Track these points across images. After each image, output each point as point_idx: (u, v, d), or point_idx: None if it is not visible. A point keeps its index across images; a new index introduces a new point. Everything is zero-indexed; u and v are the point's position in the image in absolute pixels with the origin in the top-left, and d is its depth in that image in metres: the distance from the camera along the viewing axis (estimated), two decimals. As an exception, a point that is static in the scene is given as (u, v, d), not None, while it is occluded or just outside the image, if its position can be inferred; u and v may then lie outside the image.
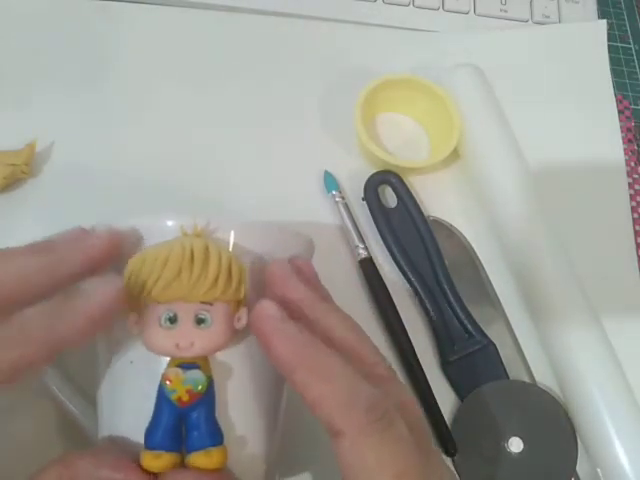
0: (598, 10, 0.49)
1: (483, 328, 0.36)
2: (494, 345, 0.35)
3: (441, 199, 0.40)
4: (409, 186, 0.39)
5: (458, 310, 0.36)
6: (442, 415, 0.34)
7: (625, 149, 0.43)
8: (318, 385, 0.21)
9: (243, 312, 0.24)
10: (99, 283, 0.22)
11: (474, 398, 0.34)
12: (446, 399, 0.35)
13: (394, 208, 0.38)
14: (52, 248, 0.22)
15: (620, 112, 0.45)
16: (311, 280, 0.26)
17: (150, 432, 0.23)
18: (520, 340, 0.37)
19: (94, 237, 0.23)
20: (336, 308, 0.25)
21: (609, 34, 0.48)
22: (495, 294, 0.38)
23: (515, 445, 0.33)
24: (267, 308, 0.22)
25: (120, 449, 0.24)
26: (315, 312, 0.24)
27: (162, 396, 0.23)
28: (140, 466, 0.22)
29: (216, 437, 0.23)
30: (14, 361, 0.20)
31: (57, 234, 0.24)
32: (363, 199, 0.38)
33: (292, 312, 0.23)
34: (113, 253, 0.23)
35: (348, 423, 0.20)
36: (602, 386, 0.34)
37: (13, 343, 0.20)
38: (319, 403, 0.21)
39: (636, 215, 0.42)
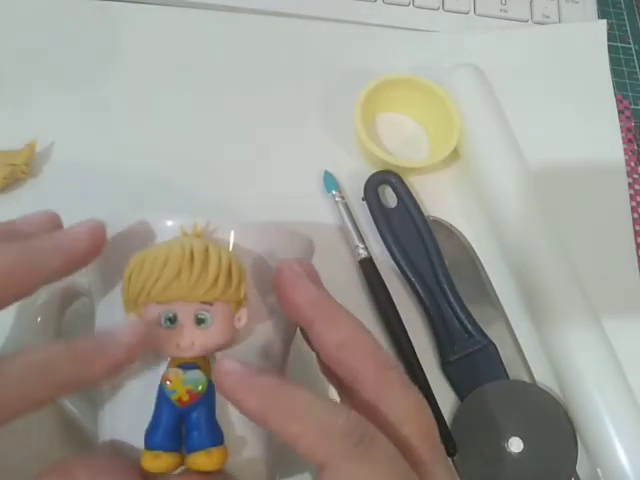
0: (598, 10, 0.49)
1: (483, 328, 0.36)
2: (494, 345, 0.35)
3: (441, 199, 0.40)
4: (409, 186, 0.39)
5: (458, 310, 0.36)
6: (442, 415, 0.34)
7: (625, 149, 0.43)
8: (291, 426, 0.21)
9: (243, 312, 0.23)
10: (124, 330, 0.22)
11: (474, 398, 0.34)
12: (446, 399, 0.35)
13: (394, 208, 0.38)
14: (31, 246, 0.22)
15: (620, 112, 0.45)
16: (315, 282, 0.26)
17: (150, 432, 0.23)
18: (520, 340, 0.37)
19: (75, 232, 0.23)
20: (345, 309, 0.25)
21: (609, 34, 0.48)
22: (495, 294, 0.38)
23: (515, 445, 0.33)
24: (227, 365, 0.22)
25: (120, 453, 0.24)
26: (326, 312, 0.24)
27: (162, 396, 0.23)
28: (140, 473, 0.22)
29: (216, 437, 0.23)
30: (19, 401, 0.21)
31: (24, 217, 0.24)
32: (363, 199, 0.38)
33: (297, 313, 0.24)
34: (97, 247, 0.23)
35: (327, 454, 0.20)
36: (602, 386, 0.34)
37: (35, 387, 0.20)
38: (297, 443, 0.21)
39: (636, 215, 0.42)
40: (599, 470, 0.33)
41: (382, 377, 0.23)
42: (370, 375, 0.23)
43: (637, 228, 0.41)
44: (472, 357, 0.35)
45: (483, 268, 0.38)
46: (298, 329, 0.29)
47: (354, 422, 0.21)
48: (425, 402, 0.23)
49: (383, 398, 0.22)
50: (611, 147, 0.43)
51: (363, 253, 0.37)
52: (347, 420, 0.21)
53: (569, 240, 0.38)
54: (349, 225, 0.37)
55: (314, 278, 0.26)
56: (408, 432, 0.22)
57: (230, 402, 0.22)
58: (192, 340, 0.22)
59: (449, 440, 0.33)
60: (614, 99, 0.45)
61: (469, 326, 0.35)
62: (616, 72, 0.47)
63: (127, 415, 0.25)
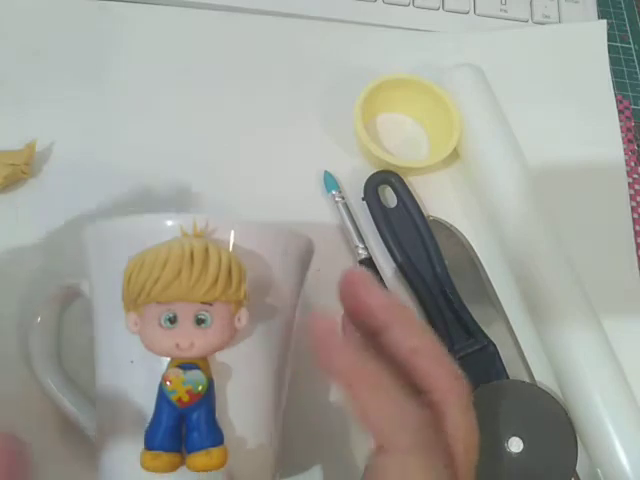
0: (598, 10, 0.49)
1: (483, 328, 0.36)
2: (494, 345, 0.35)
3: (441, 199, 0.40)
4: (409, 186, 0.39)
5: (458, 310, 0.36)
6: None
7: (625, 149, 0.43)
8: (372, 403, 0.22)
9: (243, 312, 0.23)
10: None
11: (474, 398, 0.34)
12: (446, 399, 0.35)
13: (394, 208, 0.38)
14: None
15: (620, 112, 0.45)
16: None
17: (150, 432, 0.23)
18: (520, 340, 0.37)
19: None
20: (416, 316, 0.26)
21: (609, 34, 0.48)
22: (495, 294, 0.38)
23: (515, 445, 0.33)
24: (328, 323, 0.23)
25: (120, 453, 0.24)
26: (401, 318, 0.25)
27: (162, 396, 0.23)
28: None
29: (216, 437, 0.23)
30: None
31: None
32: (363, 199, 0.38)
33: (370, 315, 0.25)
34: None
35: (394, 443, 0.22)
36: (602, 386, 0.34)
37: None
38: (370, 419, 0.22)
39: (636, 215, 0.42)
40: (599, 470, 0.33)
41: (452, 387, 0.24)
42: (442, 384, 0.24)
43: (637, 228, 0.41)
44: (472, 357, 0.35)
45: (483, 268, 0.38)
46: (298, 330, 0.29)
47: (426, 420, 0.23)
48: (476, 429, 0.24)
49: (449, 408, 0.24)
50: (611, 147, 0.43)
51: (363, 253, 0.37)
52: (420, 416, 0.23)
53: (569, 240, 0.38)
54: (349, 225, 0.37)
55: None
56: (456, 450, 0.23)
57: (317, 356, 0.23)
58: (192, 340, 0.22)
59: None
60: (614, 99, 0.45)
61: (469, 326, 0.35)
62: (616, 72, 0.47)
63: (127, 415, 0.25)
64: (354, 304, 0.25)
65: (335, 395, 0.34)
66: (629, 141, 0.44)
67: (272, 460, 0.27)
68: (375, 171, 0.39)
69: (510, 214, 0.38)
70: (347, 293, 0.26)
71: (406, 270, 0.36)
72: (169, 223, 0.24)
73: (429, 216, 0.39)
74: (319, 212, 0.39)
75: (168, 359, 0.23)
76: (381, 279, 0.36)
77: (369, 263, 0.37)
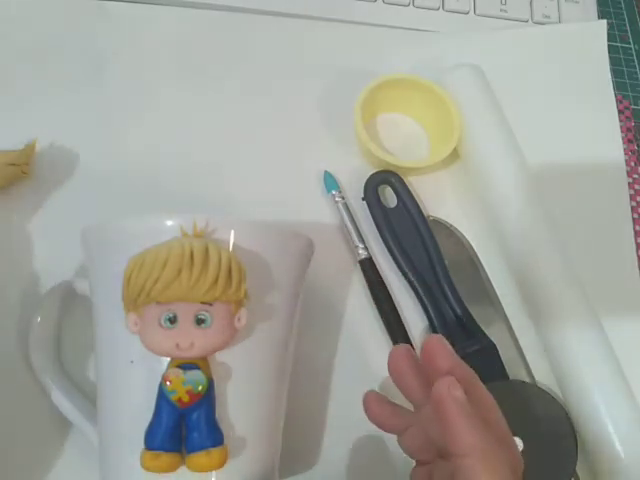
0: (598, 10, 0.49)
1: (483, 328, 0.36)
2: (494, 345, 0.35)
3: (441, 199, 0.40)
4: (409, 186, 0.39)
5: (458, 310, 0.36)
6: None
7: (625, 149, 0.43)
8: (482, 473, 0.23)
9: (243, 312, 0.23)
10: None
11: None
12: (446, 399, 0.35)
13: (394, 208, 0.38)
14: None
15: (620, 112, 0.45)
16: None
17: (150, 432, 0.23)
18: (520, 340, 0.37)
19: None
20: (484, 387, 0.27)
21: (609, 34, 0.47)
22: (495, 294, 0.38)
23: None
24: (454, 388, 0.24)
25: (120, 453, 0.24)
26: (477, 389, 0.27)
27: (162, 397, 0.23)
28: None
29: (216, 437, 0.23)
30: None
31: None
32: (363, 199, 0.38)
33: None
34: None
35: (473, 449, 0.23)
36: (602, 386, 0.34)
37: None
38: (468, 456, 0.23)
39: (636, 215, 0.42)
40: (599, 469, 0.33)
41: None
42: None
43: (637, 228, 0.41)
44: (472, 357, 0.35)
45: (483, 268, 0.38)
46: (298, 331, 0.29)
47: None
48: None
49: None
50: (611, 147, 0.43)
51: (363, 253, 0.37)
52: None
53: (569, 240, 0.38)
54: (349, 225, 0.37)
55: None
56: None
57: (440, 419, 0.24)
58: (192, 340, 0.22)
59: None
60: (614, 99, 0.45)
61: (469, 326, 0.35)
62: (616, 72, 0.47)
63: (127, 415, 0.25)
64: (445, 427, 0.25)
65: (335, 395, 0.34)
66: (629, 141, 0.44)
67: (272, 460, 0.27)
68: (375, 171, 0.39)
69: (510, 214, 0.38)
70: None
71: (406, 270, 0.36)
72: (169, 223, 0.24)
73: (429, 216, 0.39)
74: (319, 212, 0.39)
75: (168, 359, 0.23)
76: (381, 279, 0.36)
77: (369, 263, 0.37)
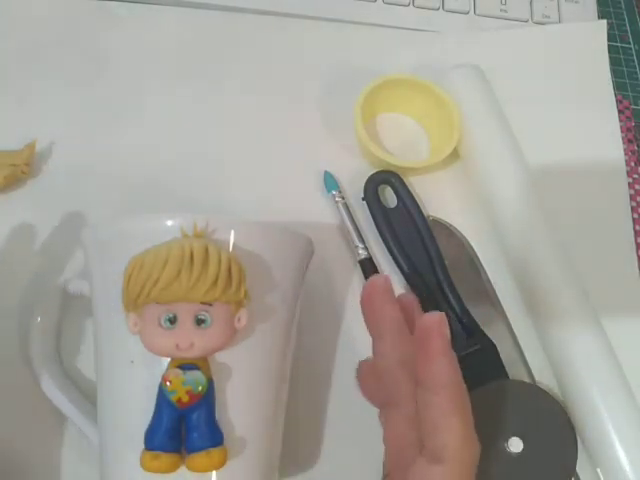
0: (598, 10, 0.49)
1: (483, 328, 0.36)
2: (494, 345, 0.35)
3: (441, 199, 0.40)
4: (409, 186, 0.39)
5: (458, 310, 0.36)
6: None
7: (625, 149, 0.43)
8: (453, 413, 0.24)
9: (243, 312, 0.24)
10: None
11: (474, 398, 0.34)
12: (446, 399, 0.35)
13: (394, 208, 0.38)
14: None
15: (620, 112, 0.45)
16: None
17: (150, 433, 0.23)
18: (520, 340, 0.37)
19: None
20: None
21: (609, 34, 0.48)
22: (495, 294, 0.38)
23: (515, 445, 0.33)
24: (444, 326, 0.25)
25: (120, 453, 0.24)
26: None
27: (162, 397, 0.23)
28: None
29: (216, 438, 0.23)
30: None
31: None
32: (363, 199, 0.38)
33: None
34: None
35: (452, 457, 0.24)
36: (602, 386, 0.34)
37: None
38: (444, 429, 0.24)
39: (636, 215, 0.42)
40: (599, 470, 0.33)
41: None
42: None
43: (637, 228, 0.41)
44: (472, 357, 0.35)
45: (483, 268, 0.38)
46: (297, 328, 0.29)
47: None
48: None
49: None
50: (611, 147, 0.43)
51: (363, 253, 0.37)
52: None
53: (569, 240, 0.38)
54: (349, 225, 0.37)
55: None
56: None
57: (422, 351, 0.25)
58: (192, 341, 0.22)
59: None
60: (614, 99, 0.45)
61: (469, 326, 0.35)
62: (616, 72, 0.47)
63: (127, 415, 0.25)
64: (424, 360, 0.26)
65: (335, 395, 0.34)
66: (629, 141, 0.44)
67: (272, 460, 0.27)
68: (375, 171, 0.39)
69: (510, 214, 0.38)
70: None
71: (406, 270, 0.36)
72: (169, 223, 0.24)
73: (429, 216, 0.39)
74: (319, 212, 0.39)
75: (168, 359, 0.23)
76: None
77: (369, 263, 0.37)
